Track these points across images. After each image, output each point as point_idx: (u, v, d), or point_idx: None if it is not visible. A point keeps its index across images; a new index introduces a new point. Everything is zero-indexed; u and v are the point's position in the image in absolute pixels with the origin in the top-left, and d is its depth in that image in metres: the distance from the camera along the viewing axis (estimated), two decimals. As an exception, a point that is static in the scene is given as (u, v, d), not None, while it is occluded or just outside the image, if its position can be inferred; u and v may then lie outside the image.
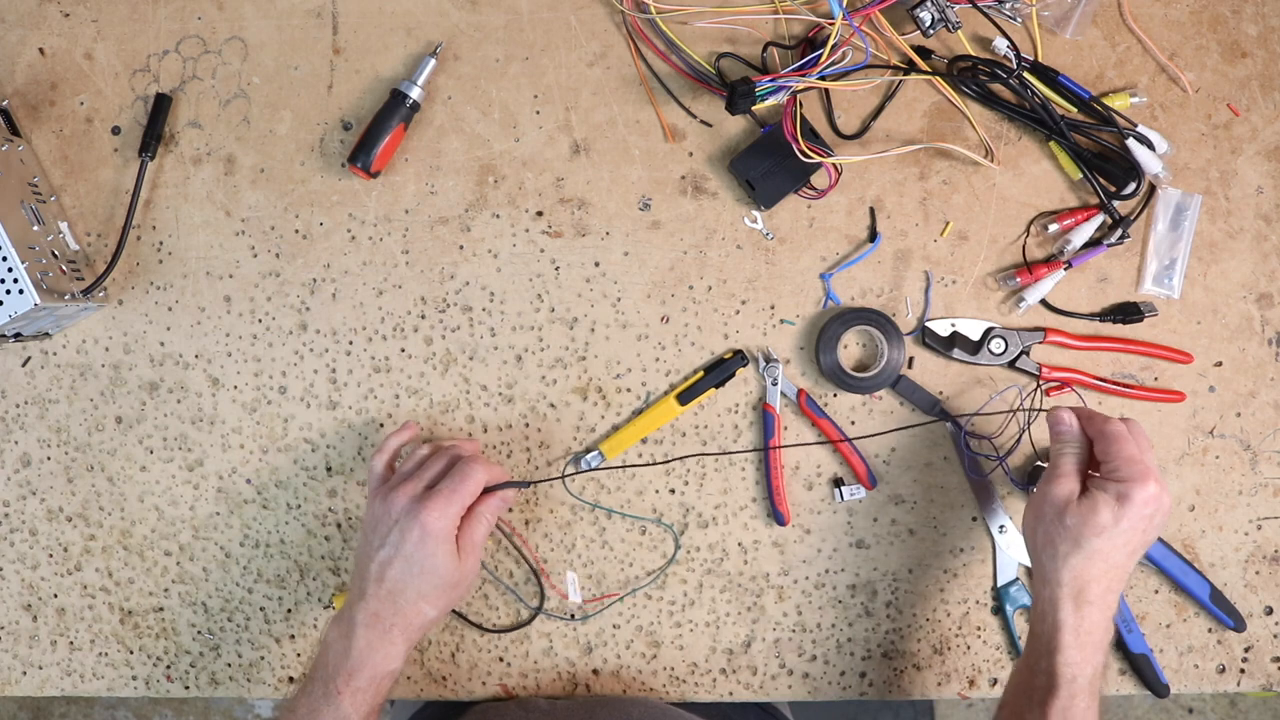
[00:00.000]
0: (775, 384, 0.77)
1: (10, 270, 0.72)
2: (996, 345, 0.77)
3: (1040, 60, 0.77)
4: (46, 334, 0.80)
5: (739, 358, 0.77)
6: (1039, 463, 0.77)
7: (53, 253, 0.76)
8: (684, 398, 0.77)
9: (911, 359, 0.78)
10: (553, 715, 0.77)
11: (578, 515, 0.79)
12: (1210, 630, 0.79)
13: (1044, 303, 0.77)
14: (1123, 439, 0.65)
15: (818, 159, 0.72)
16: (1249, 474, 0.79)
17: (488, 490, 0.71)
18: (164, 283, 0.80)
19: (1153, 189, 0.77)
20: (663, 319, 0.79)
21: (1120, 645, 0.78)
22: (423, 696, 0.81)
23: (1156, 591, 0.79)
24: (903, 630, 0.79)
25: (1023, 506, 0.78)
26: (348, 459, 0.80)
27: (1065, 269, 0.76)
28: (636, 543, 0.79)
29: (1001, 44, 0.74)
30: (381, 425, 0.79)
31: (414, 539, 0.67)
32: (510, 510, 0.79)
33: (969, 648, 0.79)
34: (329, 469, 0.80)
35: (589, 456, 0.78)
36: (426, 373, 0.79)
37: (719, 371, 0.77)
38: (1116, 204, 0.76)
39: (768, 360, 0.77)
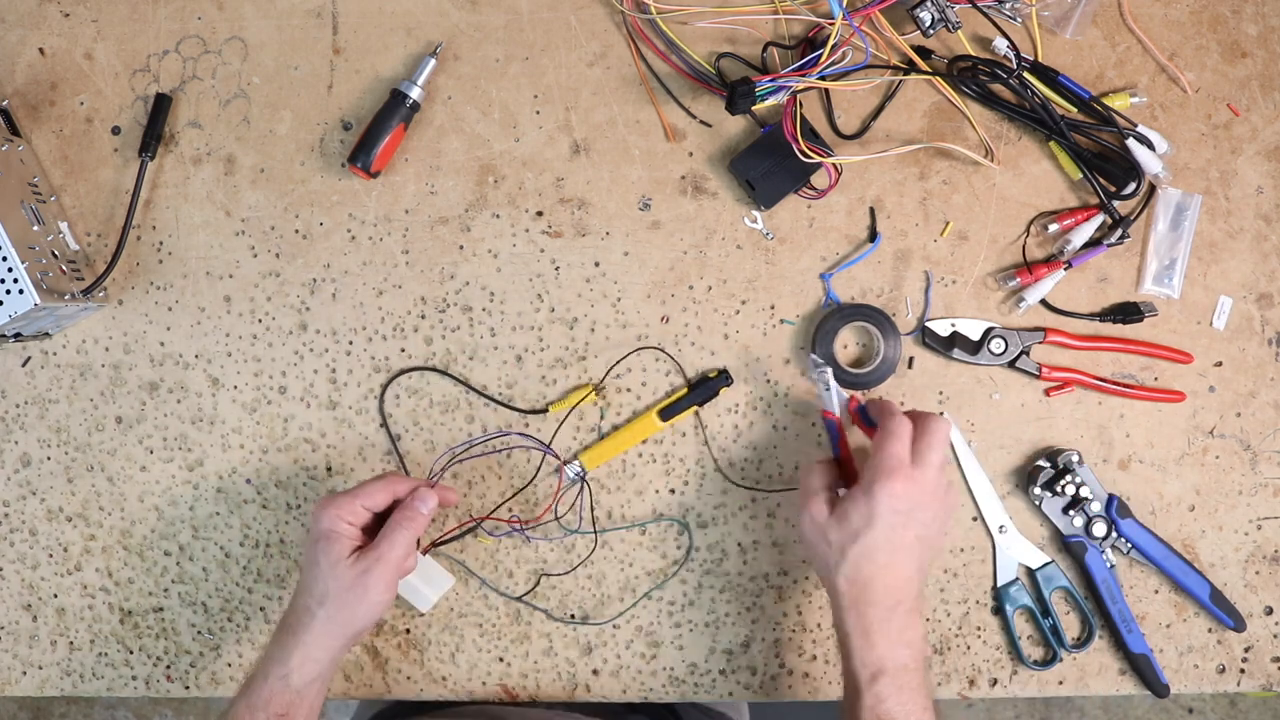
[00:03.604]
0: (829, 389, 0.71)
1: (10, 270, 0.72)
2: (996, 345, 0.77)
3: (1040, 60, 0.77)
4: (46, 334, 0.80)
5: (723, 376, 0.77)
6: (1039, 462, 0.77)
7: (53, 253, 0.76)
8: (665, 414, 0.77)
9: (911, 359, 0.78)
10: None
11: (577, 516, 0.79)
12: (1210, 630, 0.79)
13: (1044, 303, 0.77)
14: (888, 437, 0.65)
15: (818, 159, 0.72)
16: (1249, 474, 0.79)
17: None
18: (164, 283, 0.80)
19: (1153, 189, 0.77)
20: (663, 319, 0.79)
21: (1120, 645, 0.78)
22: (422, 696, 0.81)
23: (1156, 591, 0.79)
24: (903, 630, 0.79)
25: (1020, 505, 0.79)
26: (348, 459, 0.80)
27: (1065, 269, 0.76)
28: (636, 543, 0.79)
29: (1001, 44, 0.75)
30: (381, 425, 0.79)
31: (310, 535, 0.69)
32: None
33: (969, 648, 0.79)
34: (329, 469, 0.80)
35: (569, 466, 0.78)
36: (427, 372, 0.79)
37: (703, 390, 0.77)
38: (1116, 204, 0.76)
39: (816, 365, 0.72)
